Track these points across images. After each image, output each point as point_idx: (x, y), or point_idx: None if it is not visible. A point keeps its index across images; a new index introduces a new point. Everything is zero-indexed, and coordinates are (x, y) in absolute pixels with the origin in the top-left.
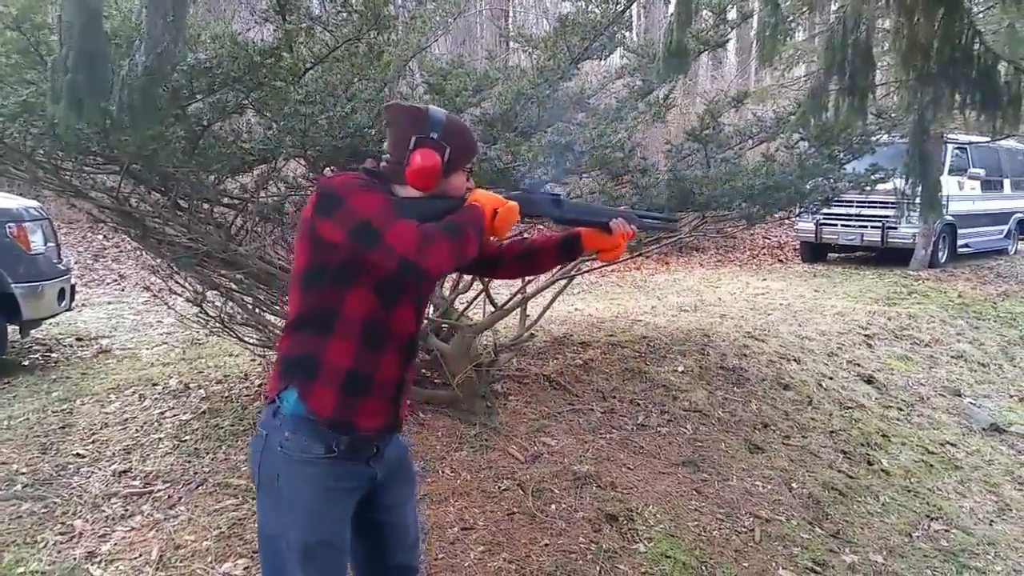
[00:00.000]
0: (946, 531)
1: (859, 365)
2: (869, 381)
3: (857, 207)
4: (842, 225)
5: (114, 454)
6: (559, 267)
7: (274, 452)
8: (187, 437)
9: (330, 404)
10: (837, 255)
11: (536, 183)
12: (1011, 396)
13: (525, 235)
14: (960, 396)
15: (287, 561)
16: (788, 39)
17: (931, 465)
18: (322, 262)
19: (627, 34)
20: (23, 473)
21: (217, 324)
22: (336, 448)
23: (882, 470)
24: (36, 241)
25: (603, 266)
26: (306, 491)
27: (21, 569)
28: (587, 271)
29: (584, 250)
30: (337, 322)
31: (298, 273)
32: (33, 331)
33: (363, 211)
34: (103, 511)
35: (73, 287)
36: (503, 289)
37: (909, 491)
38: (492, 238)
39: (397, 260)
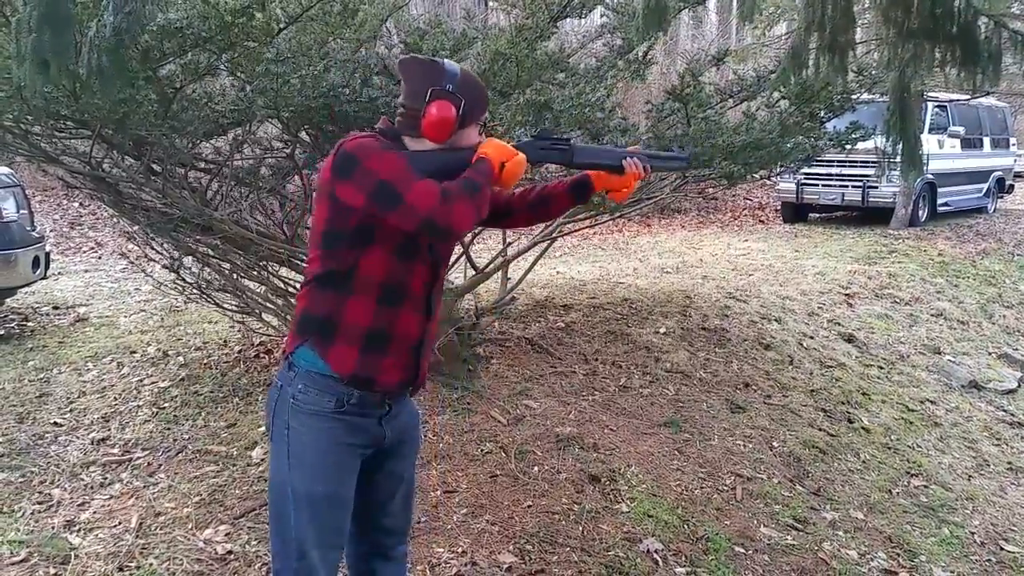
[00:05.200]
0: (925, 487)
1: (840, 324)
2: (850, 340)
3: (838, 167)
4: (823, 185)
5: (92, 422)
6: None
7: (287, 403)
8: (166, 404)
9: (351, 362)
10: (818, 215)
11: (546, 130)
12: (990, 353)
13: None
14: (940, 354)
15: (291, 510)
16: None
17: (911, 422)
18: (341, 224)
19: None
20: None
21: (195, 291)
22: (346, 403)
23: (862, 428)
24: (8, 208)
25: (585, 227)
26: (314, 443)
27: None
28: (568, 233)
29: (595, 191)
30: (355, 283)
31: (318, 232)
32: (8, 300)
33: (382, 172)
34: (82, 479)
35: (48, 255)
36: (484, 252)
37: (889, 448)
38: (499, 189)
39: (420, 220)
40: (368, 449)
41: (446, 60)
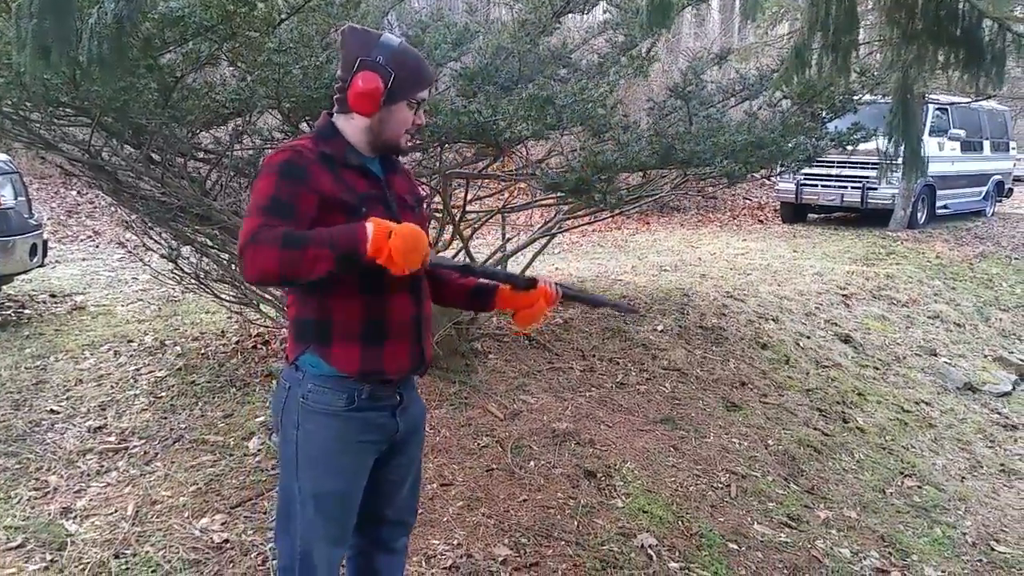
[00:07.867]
0: (919, 487)
1: (836, 324)
2: (846, 340)
3: (838, 167)
4: (822, 186)
5: (89, 410)
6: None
7: (296, 403)
8: (163, 394)
9: (355, 359)
10: (817, 216)
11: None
12: (985, 356)
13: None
14: (936, 356)
15: (300, 508)
16: None
17: (906, 423)
18: None
19: None
20: None
21: (192, 281)
22: (357, 398)
23: (857, 428)
24: (6, 195)
25: (584, 224)
26: (326, 443)
27: None
28: (567, 230)
29: (495, 306)
30: (333, 280)
31: None
32: (5, 287)
33: (253, 196)
34: (78, 467)
35: (45, 242)
36: (483, 248)
37: (883, 448)
38: (403, 269)
39: (238, 253)
40: (383, 445)
41: (385, 32)
